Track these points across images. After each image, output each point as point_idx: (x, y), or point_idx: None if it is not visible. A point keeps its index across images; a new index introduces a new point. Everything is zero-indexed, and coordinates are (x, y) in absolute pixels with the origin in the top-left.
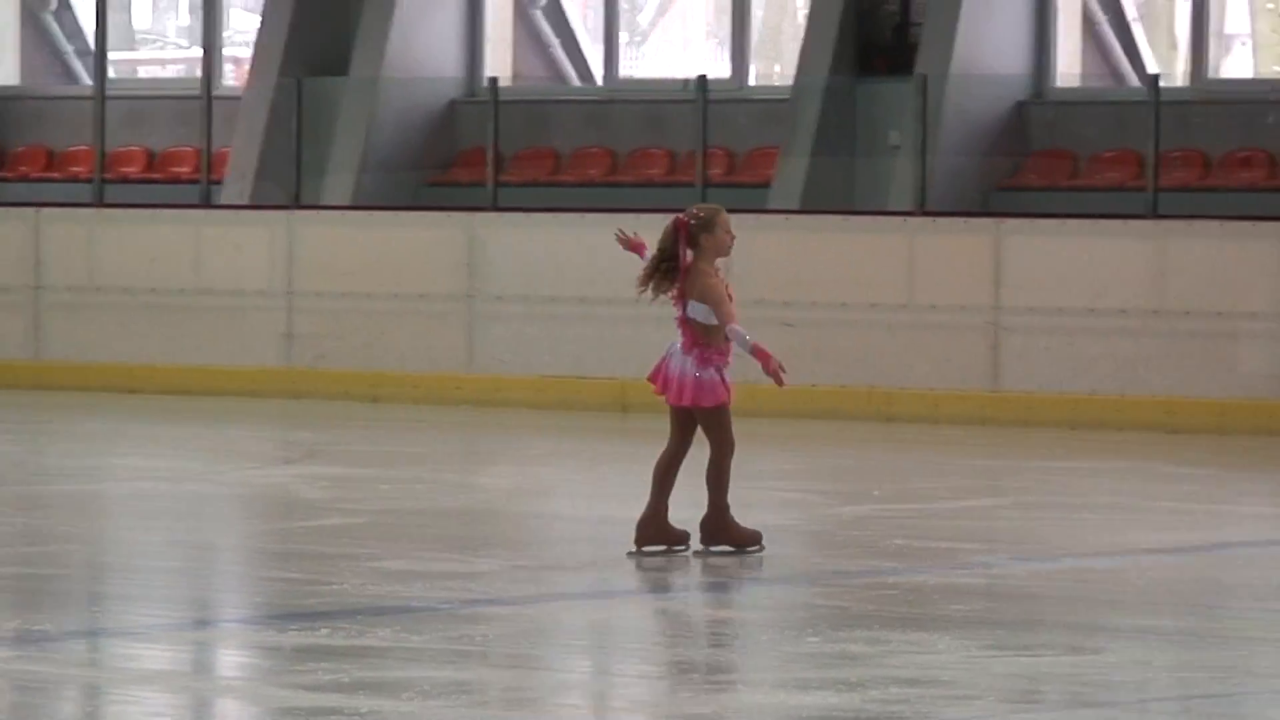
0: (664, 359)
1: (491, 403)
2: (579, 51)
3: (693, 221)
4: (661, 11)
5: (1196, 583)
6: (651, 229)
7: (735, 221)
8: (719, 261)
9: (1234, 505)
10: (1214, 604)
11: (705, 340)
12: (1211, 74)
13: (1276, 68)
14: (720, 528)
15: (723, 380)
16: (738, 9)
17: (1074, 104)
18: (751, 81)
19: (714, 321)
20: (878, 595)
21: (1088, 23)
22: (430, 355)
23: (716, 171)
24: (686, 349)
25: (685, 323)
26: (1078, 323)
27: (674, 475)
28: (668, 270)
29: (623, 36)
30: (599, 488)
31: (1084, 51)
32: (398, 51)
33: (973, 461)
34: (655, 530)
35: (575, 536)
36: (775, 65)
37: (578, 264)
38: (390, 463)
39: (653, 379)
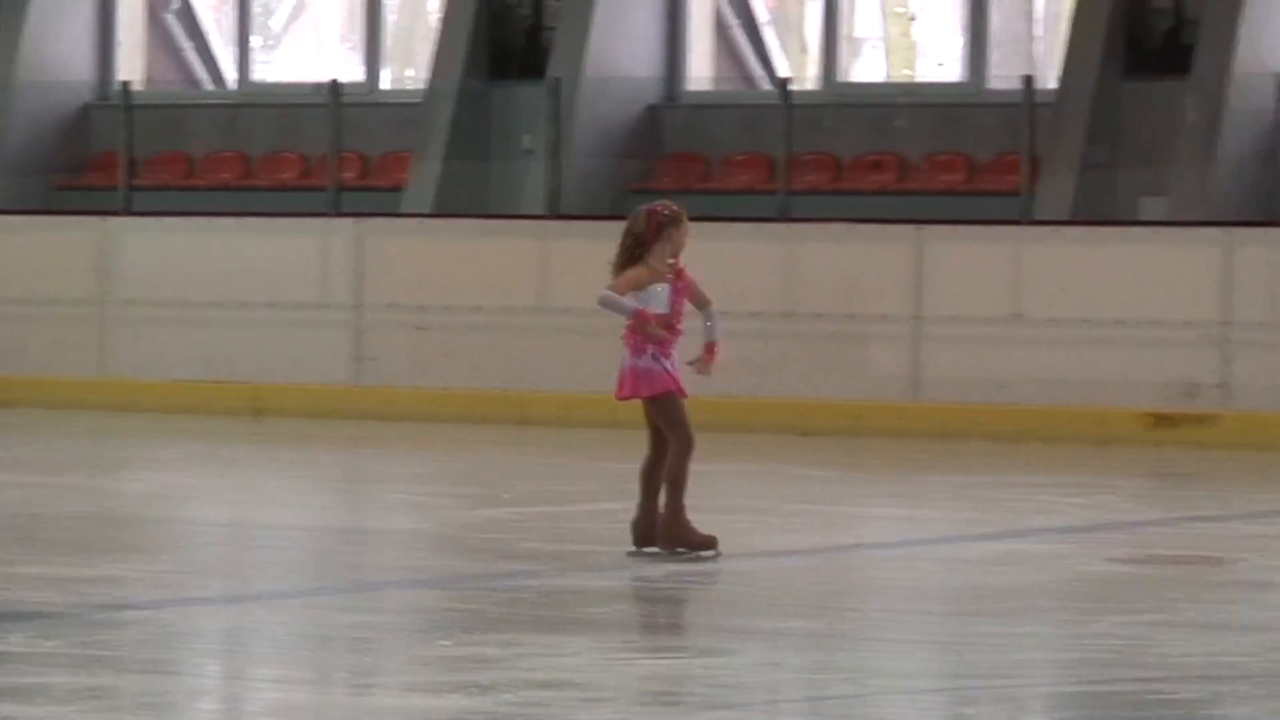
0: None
1: (124, 407)
2: (211, 55)
3: (665, 214)
4: (294, 16)
5: (827, 584)
6: (284, 233)
7: (368, 225)
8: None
9: (864, 507)
10: (844, 605)
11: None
12: (842, 77)
13: (907, 71)
14: (675, 531)
15: (666, 370)
16: (371, 13)
17: (706, 107)
18: (385, 85)
19: (651, 307)
20: (511, 598)
21: (719, 26)
22: (62, 360)
23: (350, 175)
24: (625, 340)
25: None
26: (766, 326)
27: (657, 476)
28: (638, 256)
29: (255, 40)
30: (233, 492)
31: (716, 55)
32: (30, 54)
33: (606, 464)
34: (645, 531)
35: (210, 541)
36: (408, 69)
37: (211, 268)
38: (20, 468)
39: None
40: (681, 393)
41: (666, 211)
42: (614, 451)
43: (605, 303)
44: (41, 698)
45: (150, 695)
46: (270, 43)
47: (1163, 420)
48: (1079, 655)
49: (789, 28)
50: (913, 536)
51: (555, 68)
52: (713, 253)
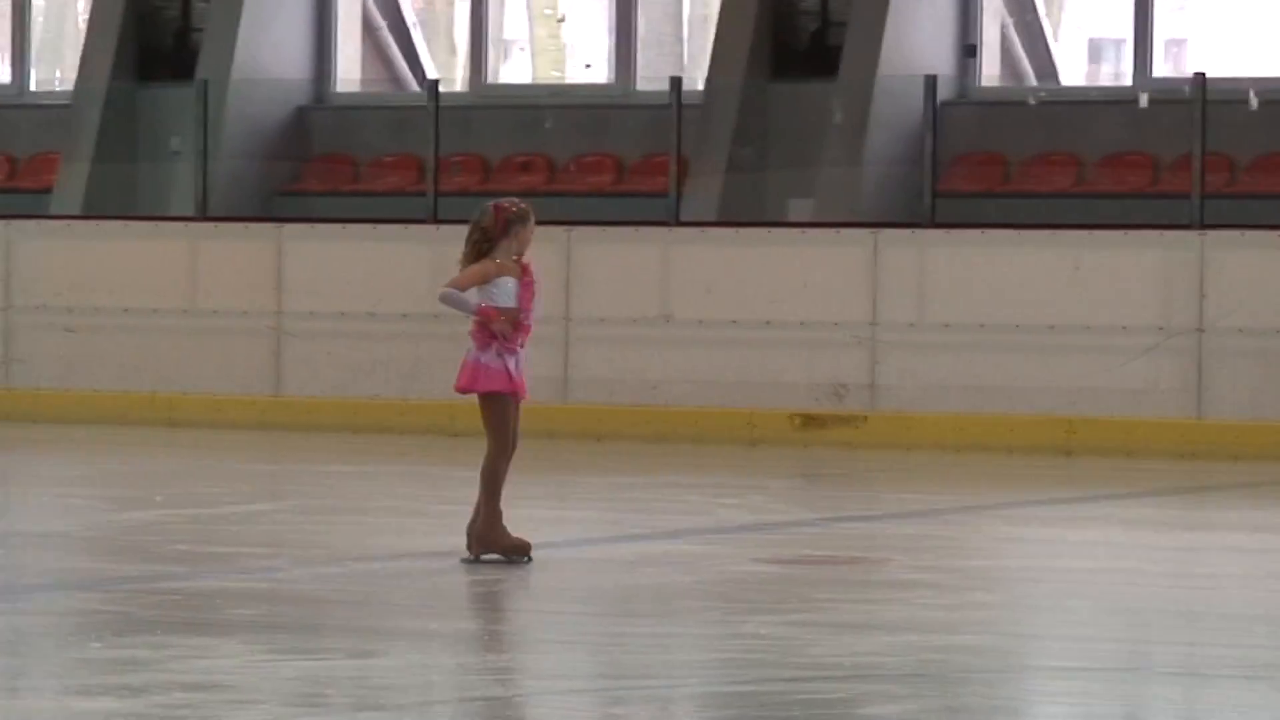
0: None
1: None
2: None
3: (513, 210)
4: None
5: (476, 585)
6: None
7: (15, 227)
8: None
9: (514, 508)
10: (495, 606)
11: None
12: (491, 79)
13: (555, 73)
14: (487, 534)
15: (506, 369)
16: (18, 14)
17: (355, 109)
18: (33, 87)
19: (498, 301)
20: (161, 600)
21: (368, 28)
22: None
23: None
24: (472, 334)
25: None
26: (360, 327)
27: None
28: (485, 251)
29: None
30: None
31: (365, 57)
32: None
33: (256, 466)
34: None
35: None
36: (56, 71)
37: None
38: None
39: None
40: (515, 395)
41: (514, 209)
42: (264, 453)
43: (446, 299)
44: None
45: None
46: None
47: (811, 421)
48: (728, 655)
49: (437, 29)
50: (563, 537)
51: (203, 69)
52: (362, 254)
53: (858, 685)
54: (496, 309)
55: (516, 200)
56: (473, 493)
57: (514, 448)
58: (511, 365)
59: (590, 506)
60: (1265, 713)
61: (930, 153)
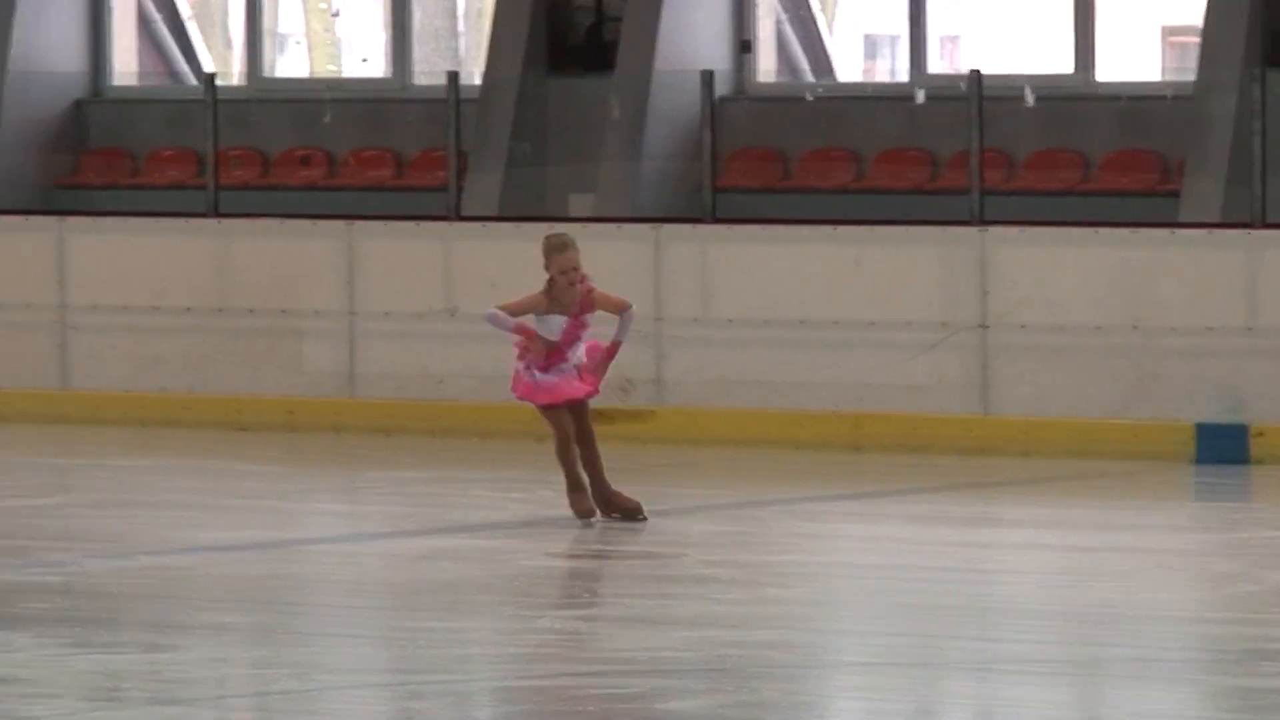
0: None
1: None
2: None
3: (549, 241)
4: None
5: (270, 579)
6: None
7: None
8: None
9: (303, 502)
10: (288, 600)
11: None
12: (267, 73)
13: (332, 67)
14: (572, 502)
15: (532, 375)
16: None
17: (132, 102)
18: None
19: (541, 333)
20: None
21: (143, 21)
22: None
23: None
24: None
25: None
26: (144, 320)
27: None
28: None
29: None
30: None
31: (140, 50)
32: None
33: (43, 460)
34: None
35: None
36: None
37: None
38: None
39: None
40: (563, 398)
41: (551, 239)
42: (52, 447)
43: (491, 319)
44: None
45: None
46: None
47: (598, 416)
48: (523, 650)
49: (212, 23)
50: (353, 531)
51: None
52: (142, 248)
53: (654, 680)
54: (533, 334)
55: (559, 231)
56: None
57: (576, 431)
58: (556, 377)
59: (380, 501)
60: (1054, 708)
61: (709, 148)
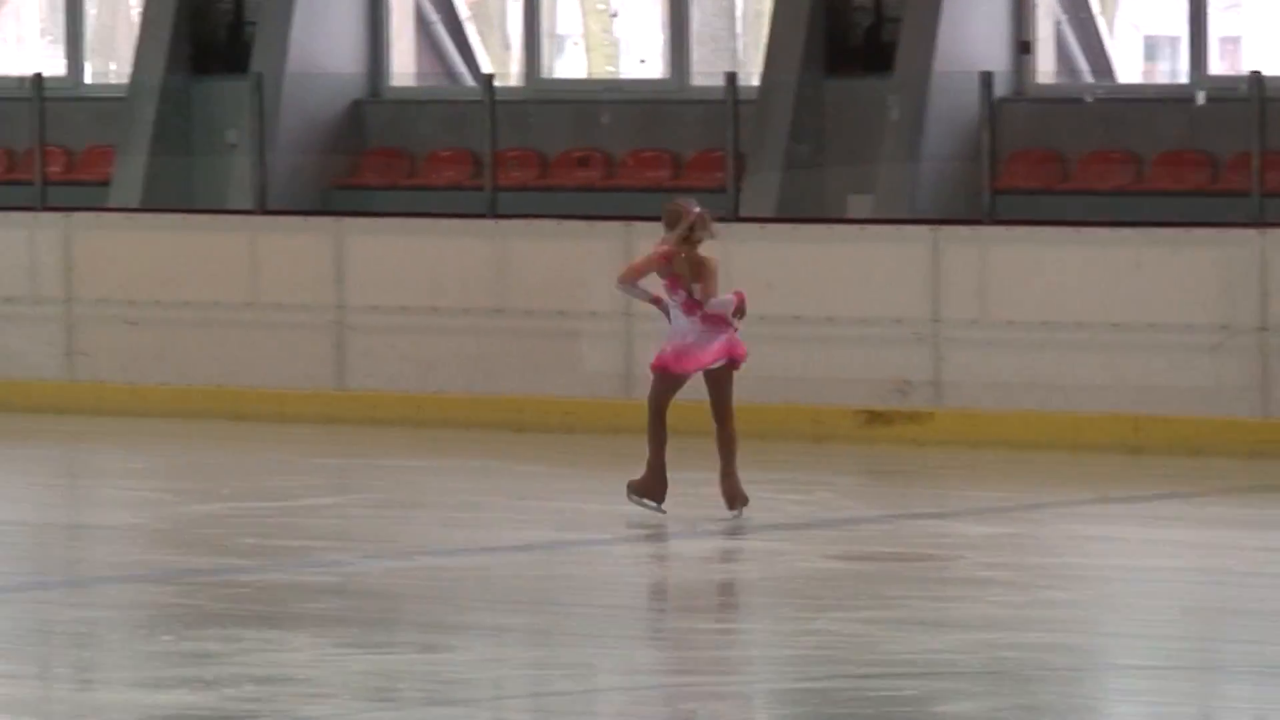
0: None
1: None
2: None
3: (669, 207)
4: None
5: (547, 580)
6: None
7: (75, 220)
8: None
9: (581, 503)
10: (563, 602)
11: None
12: (545, 74)
13: (610, 68)
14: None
15: (665, 348)
16: (72, 7)
17: (410, 103)
18: (88, 80)
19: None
20: (231, 593)
21: (421, 22)
22: None
23: (55, 170)
24: None
25: None
26: (421, 321)
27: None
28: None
29: None
30: None
31: (418, 51)
32: None
33: (321, 460)
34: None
35: None
36: (111, 64)
37: None
38: None
39: None
40: (667, 369)
41: (669, 207)
42: (328, 447)
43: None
44: None
45: None
46: None
47: (876, 417)
48: (799, 652)
49: (490, 24)
50: (630, 533)
51: (258, 63)
52: (420, 249)
53: (930, 682)
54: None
55: (683, 201)
56: (539, 487)
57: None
58: (669, 348)
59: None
60: None
61: (988, 149)
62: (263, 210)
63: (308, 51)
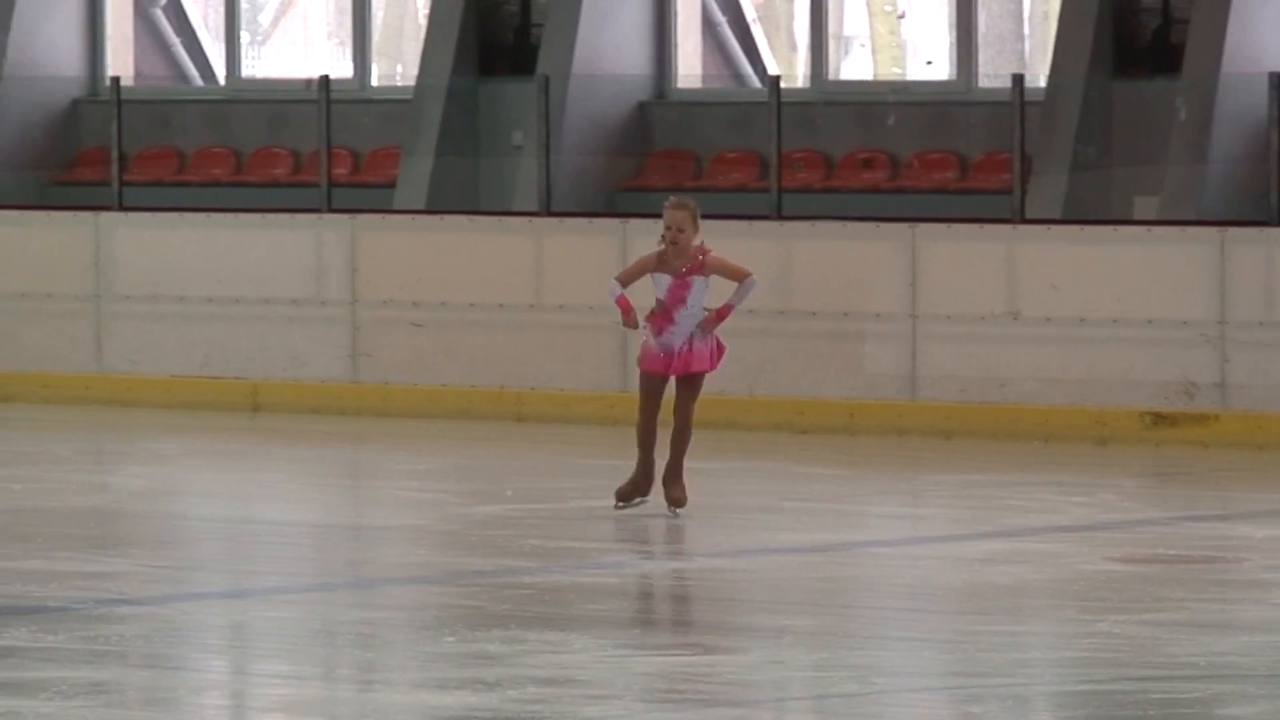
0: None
1: (122, 402)
2: (200, 51)
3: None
4: (282, 11)
5: (830, 582)
6: (278, 229)
7: (360, 221)
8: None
9: (863, 505)
10: (846, 603)
11: None
12: (831, 76)
13: (896, 70)
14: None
15: (651, 349)
16: (358, 9)
17: (695, 104)
18: (374, 82)
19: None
20: (513, 595)
21: (707, 24)
22: (59, 355)
23: (341, 172)
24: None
25: None
26: None
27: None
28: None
29: (244, 36)
30: (233, 488)
31: (704, 52)
32: (18, 50)
33: (604, 461)
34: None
35: (210, 536)
36: (397, 66)
37: (205, 264)
38: (21, 462)
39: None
40: (653, 369)
41: (670, 200)
42: (611, 449)
43: (609, 291)
44: (45, 692)
45: (155, 690)
46: (259, 38)
47: (1161, 419)
48: (1081, 654)
49: (776, 26)
50: (913, 535)
51: (544, 65)
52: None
53: (1214, 686)
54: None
55: (684, 197)
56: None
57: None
58: (656, 344)
59: (941, 504)
60: None
61: (1276, 151)
62: (548, 212)
63: (594, 53)
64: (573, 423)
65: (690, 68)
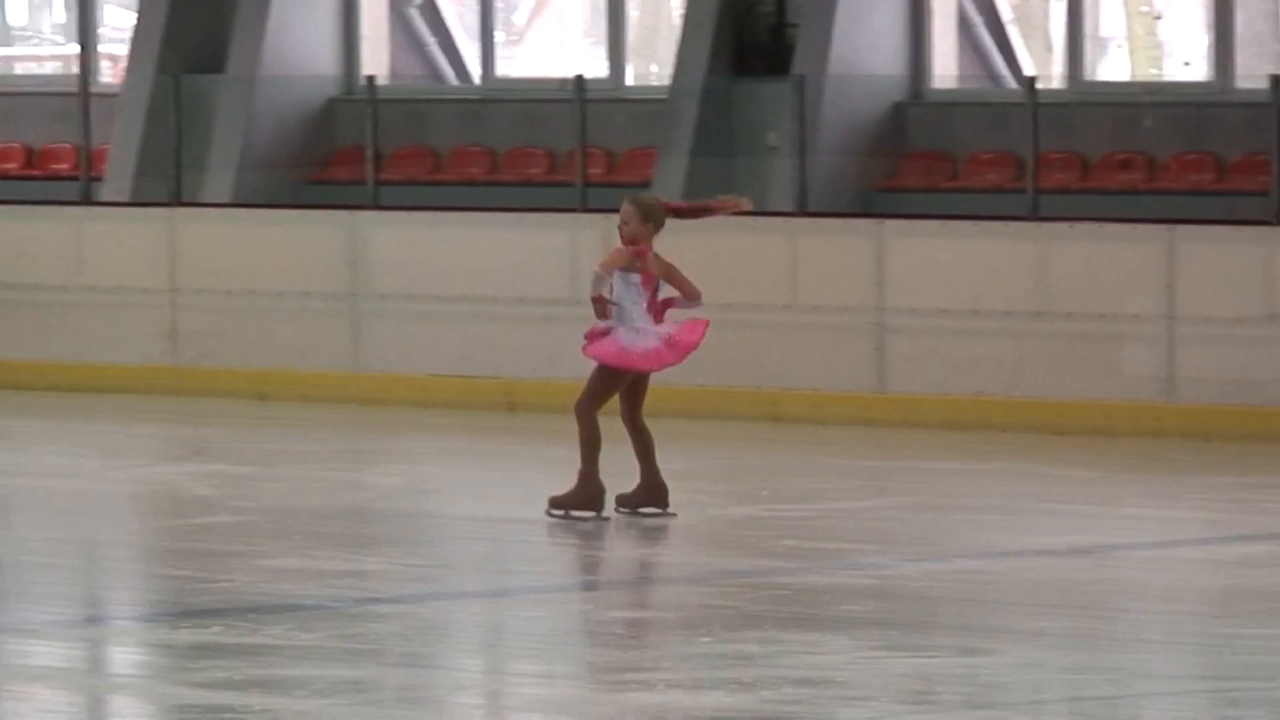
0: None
1: (378, 401)
2: (455, 50)
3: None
4: (537, 11)
5: (1086, 584)
6: (533, 228)
7: (614, 222)
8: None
9: (1120, 507)
10: (1104, 606)
11: None
12: (1088, 76)
13: (1153, 70)
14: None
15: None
16: (614, 9)
17: (952, 105)
18: (629, 81)
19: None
20: (769, 595)
21: (963, 24)
22: (316, 353)
23: (596, 171)
24: None
25: None
26: (961, 324)
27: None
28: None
29: (499, 35)
30: (488, 486)
31: (960, 53)
32: (274, 49)
33: (859, 462)
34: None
35: (466, 535)
36: (652, 65)
37: (460, 263)
38: (278, 461)
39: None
40: (609, 364)
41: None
42: (867, 449)
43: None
44: (302, 690)
45: (411, 689)
46: (513, 38)
47: None
48: None
49: (1032, 26)
50: (1169, 537)
51: (800, 65)
52: (960, 252)
53: None
54: (603, 301)
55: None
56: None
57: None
58: (610, 338)
59: (1197, 506)
60: None
61: None
62: (802, 212)
63: (849, 53)
64: (828, 423)
65: (946, 68)
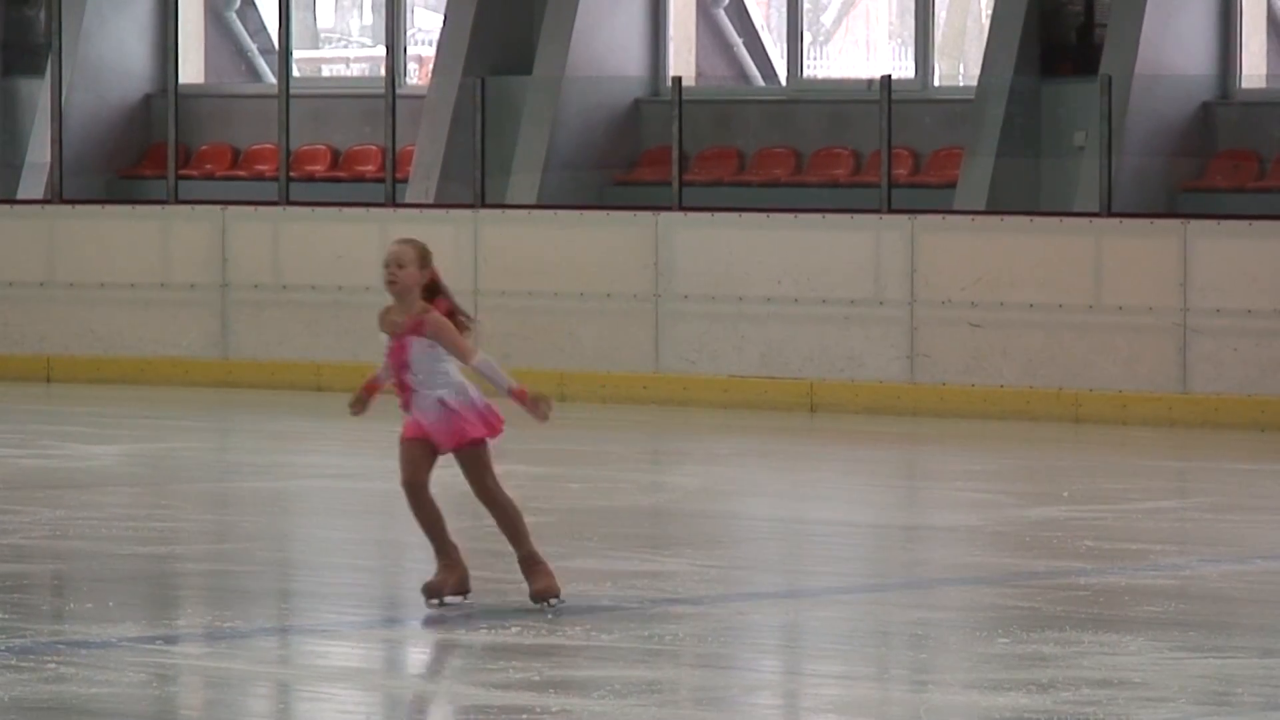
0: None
1: (678, 402)
2: (762, 51)
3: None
4: (845, 11)
5: None
6: (837, 229)
7: (920, 222)
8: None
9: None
10: None
11: None
12: None
13: None
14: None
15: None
16: (921, 9)
17: (1260, 104)
18: (935, 82)
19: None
20: (1068, 596)
21: (1273, 24)
22: (617, 354)
23: (901, 172)
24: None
25: None
26: (1267, 325)
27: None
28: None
29: (806, 36)
30: (787, 488)
31: (1269, 52)
32: (581, 50)
33: (1161, 463)
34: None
35: (764, 536)
36: (959, 66)
37: (764, 264)
38: (578, 461)
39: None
40: (412, 437)
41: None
42: (1169, 450)
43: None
44: (599, 690)
45: (708, 690)
46: (820, 38)
47: None
48: None
49: None
50: None
51: (1107, 65)
52: (1266, 252)
53: None
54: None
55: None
56: None
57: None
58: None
59: None
60: None
61: None
62: (1108, 213)
63: (1157, 52)
64: (1130, 424)
65: (1255, 67)
